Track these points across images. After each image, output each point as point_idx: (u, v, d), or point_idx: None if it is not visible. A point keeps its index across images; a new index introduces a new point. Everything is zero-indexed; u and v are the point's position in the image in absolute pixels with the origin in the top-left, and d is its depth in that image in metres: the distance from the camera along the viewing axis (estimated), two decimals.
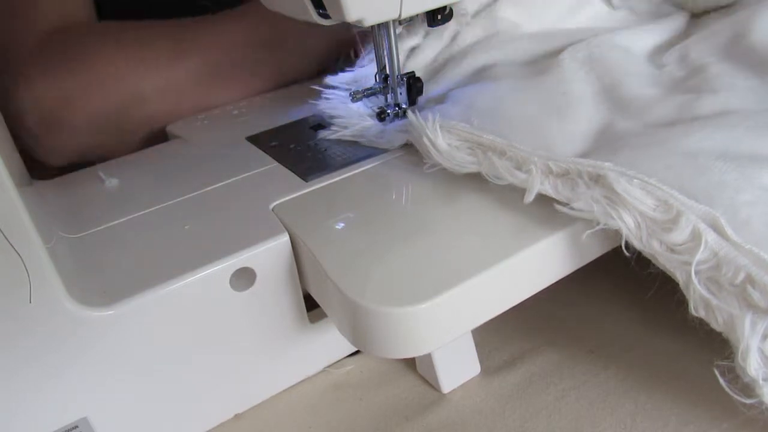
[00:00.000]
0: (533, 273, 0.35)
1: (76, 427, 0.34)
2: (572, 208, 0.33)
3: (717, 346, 0.30)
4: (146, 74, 0.56)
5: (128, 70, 0.56)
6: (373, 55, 0.47)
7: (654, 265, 0.32)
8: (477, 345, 0.41)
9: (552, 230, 0.34)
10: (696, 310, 0.30)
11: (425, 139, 0.40)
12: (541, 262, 0.34)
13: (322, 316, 0.40)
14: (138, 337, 0.34)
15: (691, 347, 0.40)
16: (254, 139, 0.49)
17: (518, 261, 0.33)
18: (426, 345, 0.32)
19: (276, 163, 0.45)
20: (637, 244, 0.32)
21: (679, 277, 0.31)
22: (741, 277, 0.29)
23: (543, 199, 0.35)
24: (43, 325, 0.31)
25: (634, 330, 0.43)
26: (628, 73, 0.45)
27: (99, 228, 0.39)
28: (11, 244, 0.29)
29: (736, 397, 0.29)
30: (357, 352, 0.44)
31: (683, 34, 0.52)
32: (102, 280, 0.34)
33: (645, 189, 0.32)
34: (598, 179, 0.34)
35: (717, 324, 0.30)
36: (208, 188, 0.42)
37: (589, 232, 0.33)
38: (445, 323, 0.32)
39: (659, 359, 0.40)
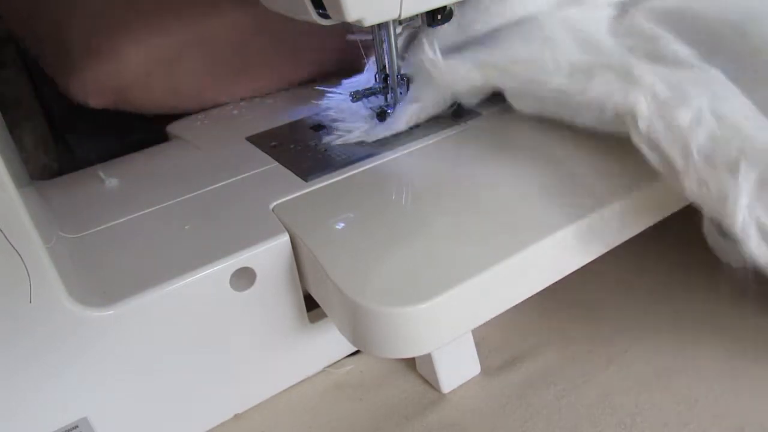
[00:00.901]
0: (532, 273, 0.35)
1: (76, 427, 0.34)
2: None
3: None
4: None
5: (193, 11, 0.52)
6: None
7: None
8: (477, 345, 0.41)
9: (551, 231, 0.34)
10: (692, 189, 0.33)
11: (425, 58, 0.42)
12: (540, 263, 0.34)
13: (322, 316, 0.40)
14: (138, 337, 0.34)
15: (691, 347, 0.40)
16: (254, 139, 0.49)
17: (518, 261, 0.33)
18: (426, 345, 0.32)
19: (276, 163, 0.45)
20: (643, 126, 0.34)
21: (679, 158, 0.33)
22: (735, 154, 0.31)
23: (544, 200, 0.35)
24: (43, 324, 0.31)
25: (634, 330, 0.43)
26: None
27: (99, 228, 0.39)
28: (11, 244, 0.29)
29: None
30: (357, 352, 0.44)
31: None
32: (102, 280, 0.34)
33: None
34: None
35: (711, 198, 0.32)
36: (208, 188, 0.42)
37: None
38: (445, 323, 0.32)
39: (659, 359, 0.40)
